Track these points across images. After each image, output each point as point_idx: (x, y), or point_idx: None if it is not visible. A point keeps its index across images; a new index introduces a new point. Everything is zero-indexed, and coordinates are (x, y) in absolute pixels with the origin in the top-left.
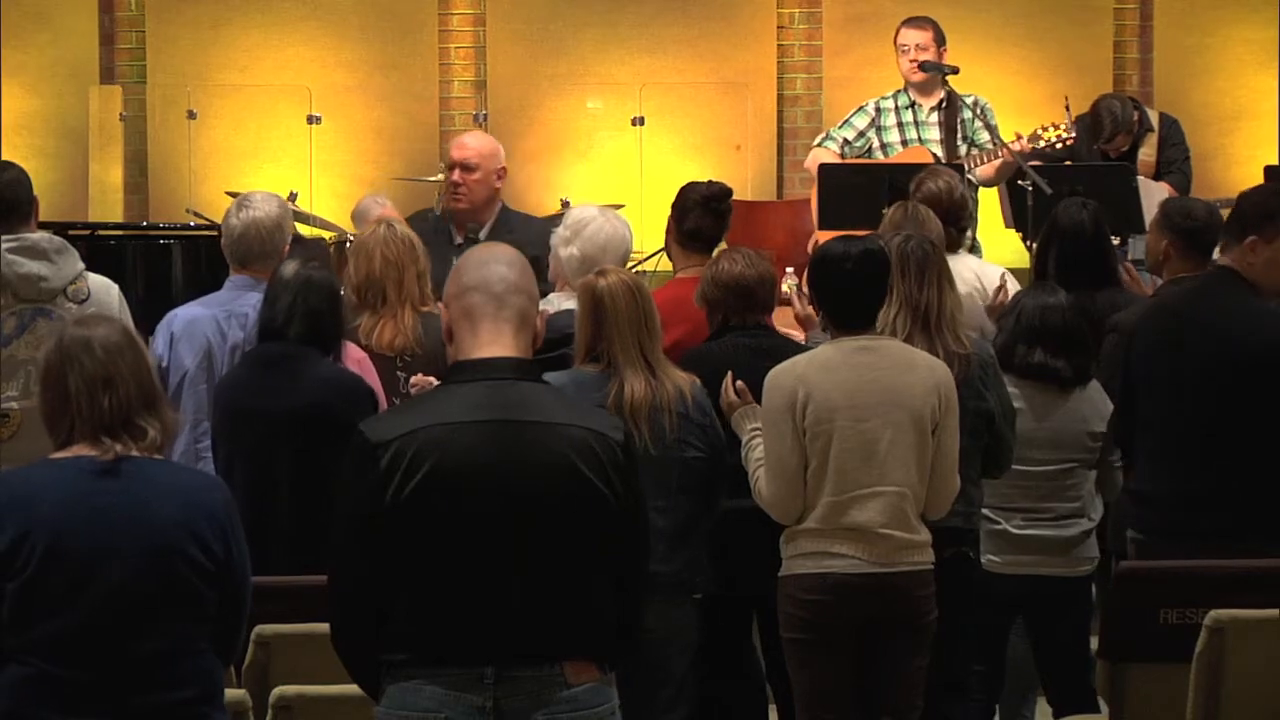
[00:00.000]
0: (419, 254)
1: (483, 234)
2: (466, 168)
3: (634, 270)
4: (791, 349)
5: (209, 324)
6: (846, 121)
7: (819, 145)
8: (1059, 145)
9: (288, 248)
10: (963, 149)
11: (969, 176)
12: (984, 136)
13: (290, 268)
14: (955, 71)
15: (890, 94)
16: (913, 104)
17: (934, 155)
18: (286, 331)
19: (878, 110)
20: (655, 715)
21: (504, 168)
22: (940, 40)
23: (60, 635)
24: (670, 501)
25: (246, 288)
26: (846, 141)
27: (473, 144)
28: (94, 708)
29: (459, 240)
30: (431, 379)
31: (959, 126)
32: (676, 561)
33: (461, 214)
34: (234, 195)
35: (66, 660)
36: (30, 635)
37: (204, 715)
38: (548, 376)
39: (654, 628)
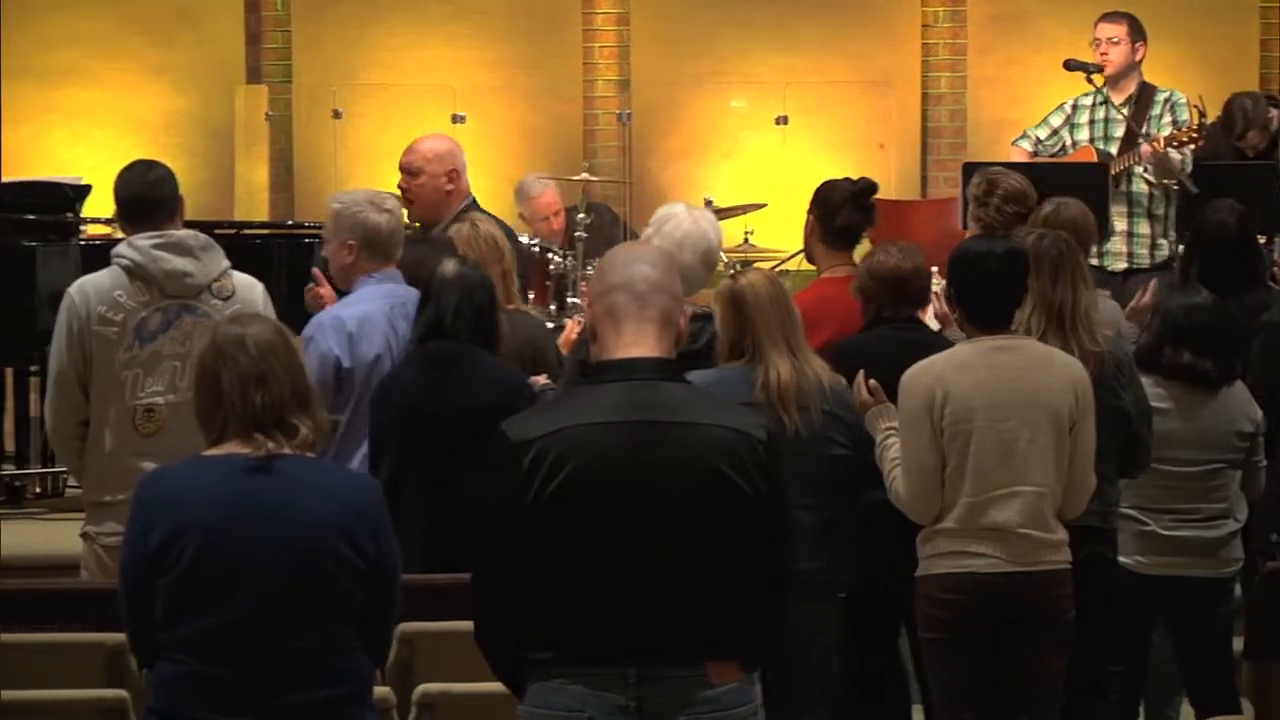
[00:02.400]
0: (503, 252)
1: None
2: (410, 172)
3: (776, 269)
4: (939, 344)
5: (382, 320)
6: (1044, 120)
7: (1014, 144)
8: (1189, 146)
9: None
10: (1143, 146)
11: (1145, 175)
12: (1167, 132)
13: (451, 266)
14: (1100, 70)
15: (1090, 91)
16: (1106, 101)
17: (1105, 154)
18: (455, 330)
19: (1074, 107)
20: (798, 715)
21: (455, 169)
22: (1137, 34)
23: (212, 633)
24: (816, 498)
25: (389, 281)
26: (1039, 140)
27: (419, 148)
28: (245, 705)
29: None
30: (541, 379)
31: (1146, 122)
32: (821, 559)
33: (418, 220)
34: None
35: (218, 657)
36: (182, 632)
37: (353, 713)
38: (693, 375)
39: (798, 626)
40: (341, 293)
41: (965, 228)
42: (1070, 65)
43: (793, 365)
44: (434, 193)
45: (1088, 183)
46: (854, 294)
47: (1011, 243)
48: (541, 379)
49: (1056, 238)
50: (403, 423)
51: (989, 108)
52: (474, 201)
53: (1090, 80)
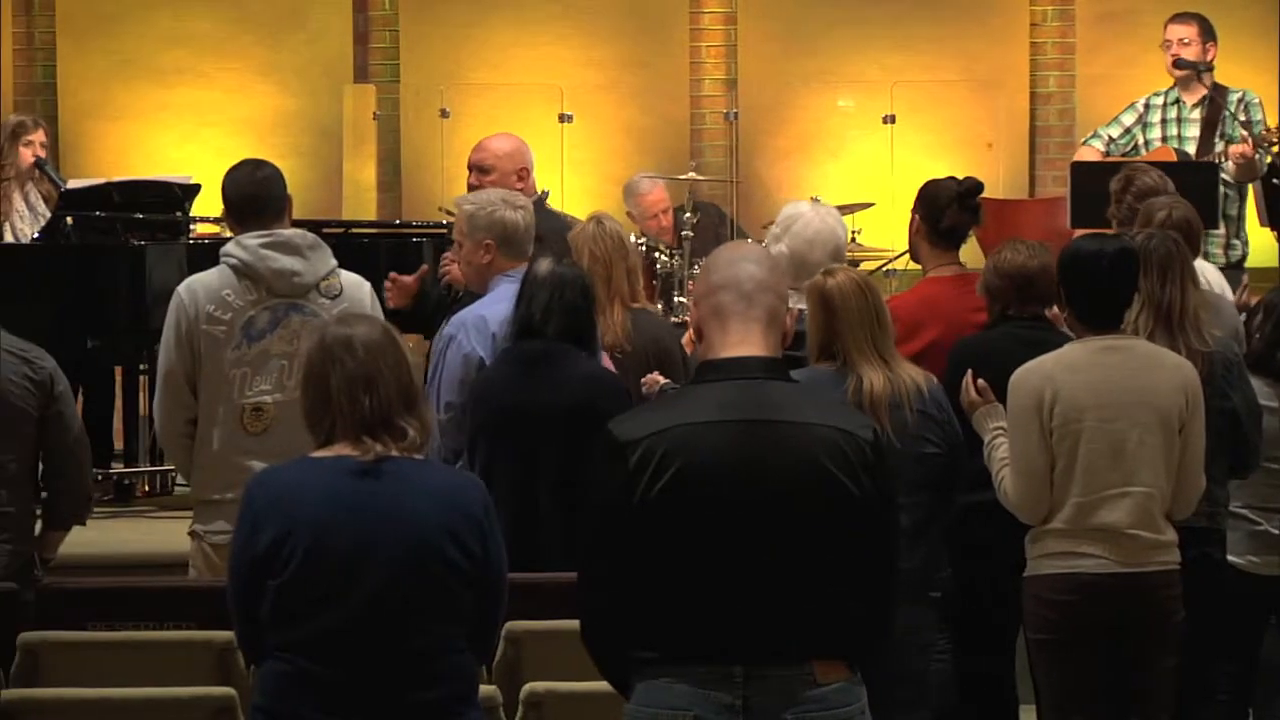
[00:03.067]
0: (628, 250)
1: None
2: (482, 170)
3: (883, 269)
4: (1064, 344)
5: None
6: (1115, 119)
7: (1085, 143)
8: (1276, 147)
9: None
10: (1219, 146)
11: (1223, 175)
12: (1241, 133)
13: (545, 265)
14: (1209, 69)
15: (1162, 91)
16: (1178, 100)
17: (1183, 154)
18: (546, 329)
19: (1146, 107)
20: (894, 714)
21: (525, 168)
22: (1207, 35)
23: (320, 634)
24: (909, 498)
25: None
26: (1111, 139)
27: (489, 146)
28: (352, 706)
29: None
30: (659, 377)
31: (1220, 123)
32: (915, 558)
33: None
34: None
35: (326, 658)
36: (291, 634)
37: (460, 713)
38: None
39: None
40: (474, 295)
41: (1073, 226)
42: (1180, 64)
43: (883, 373)
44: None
45: (1199, 182)
46: (979, 292)
47: (1123, 242)
48: (661, 378)
49: (1165, 237)
50: (492, 421)
51: (1098, 107)
52: (542, 200)
53: (1201, 80)
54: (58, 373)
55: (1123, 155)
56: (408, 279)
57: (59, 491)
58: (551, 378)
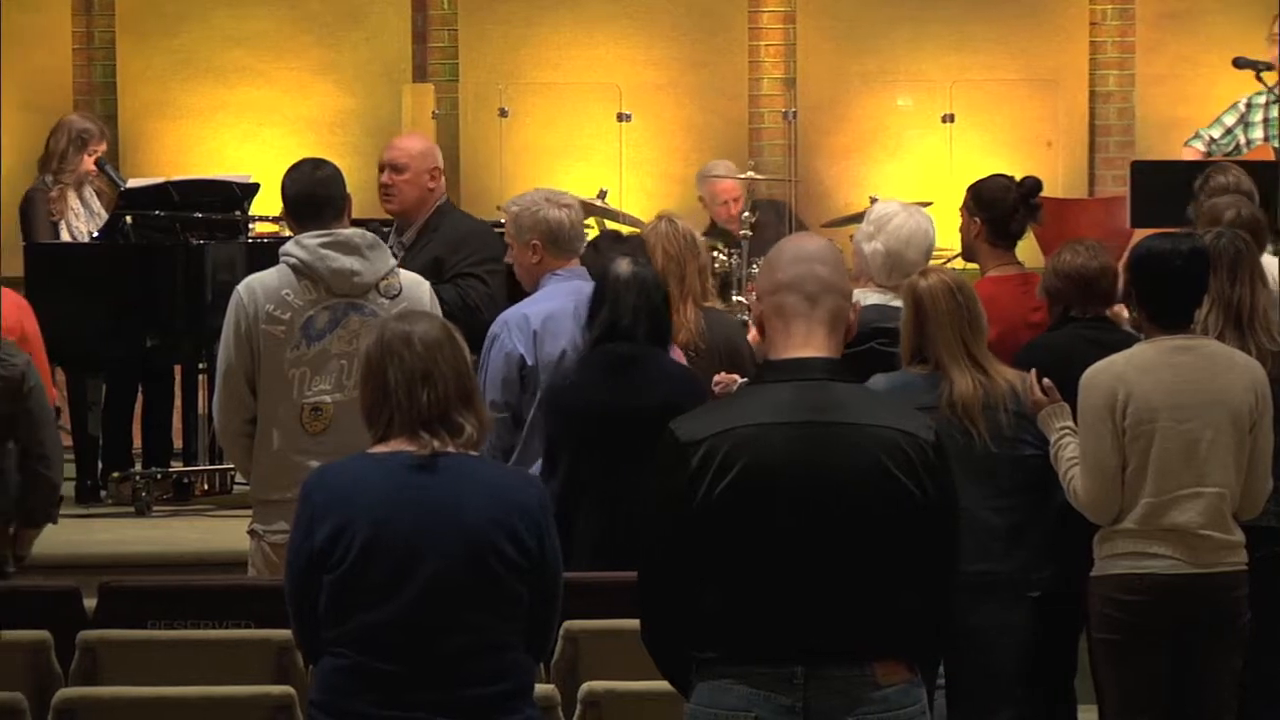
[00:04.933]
0: (700, 249)
1: (407, 236)
2: (395, 168)
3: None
4: (1129, 343)
5: (567, 317)
6: (1217, 119)
7: (1187, 144)
8: None
9: None
10: None
11: None
12: None
13: (625, 266)
14: (1270, 68)
15: (1264, 90)
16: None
17: None
18: (633, 332)
19: (1248, 106)
20: (985, 713)
21: (438, 167)
22: None
23: (375, 628)
24: (1008, 499)
25: (575, 278)
26: (1213, 140)
27: (402, 144)
28: (407, 701)
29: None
30: (735, 376)
31: None
32: (1013, 560)
33: (395, 215)
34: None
35: (381, 653)
36: (346, 628)
37: (516, 710)
38: (875, 379)
39: (987, 627)
40: (525, 296)
41: (1133, 226)
42: (1239, 63)
43: (974, 378)
44: (417, 189)
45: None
46: (1040, 294)
47: (1195, 241)
48: (735, 377)
49: (1235, 236)
50: (581, 426)
51: (1158, 106)
52: (448, 199)
53: (1260, 79)
54: (30, 369)
55: (1224, 156)
56: None
57: (30, 490)
58: (641, 381)
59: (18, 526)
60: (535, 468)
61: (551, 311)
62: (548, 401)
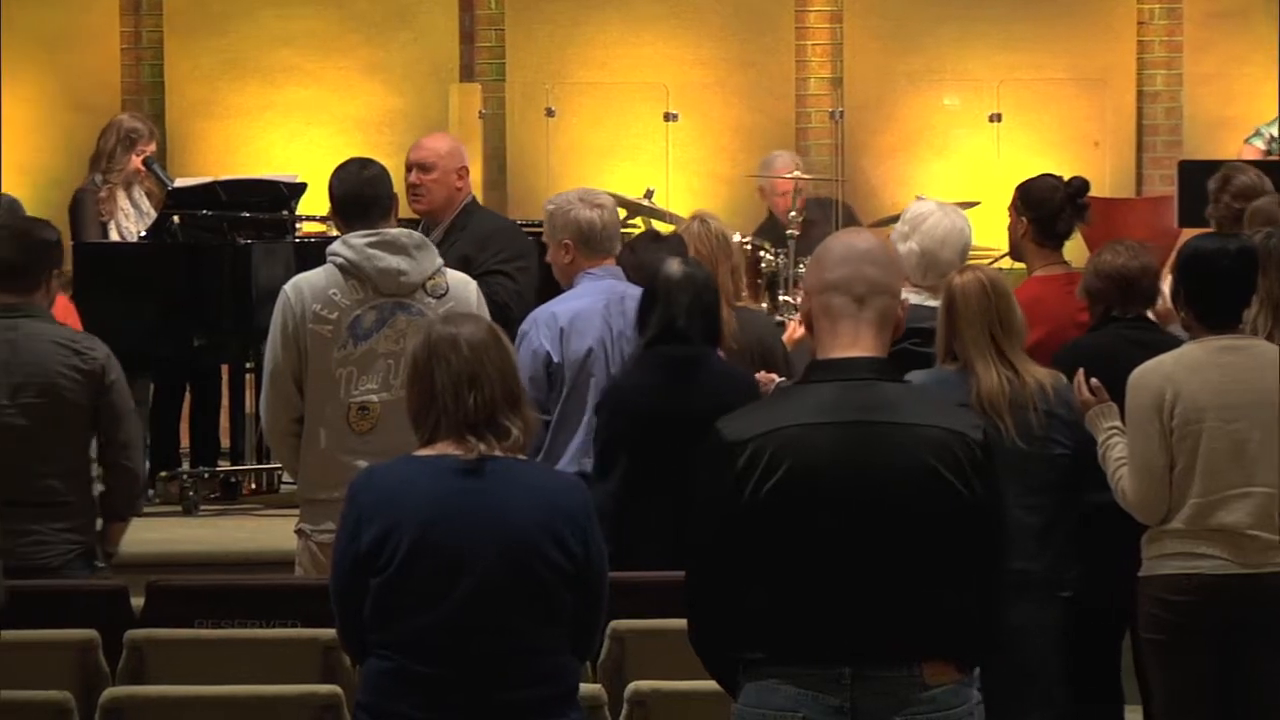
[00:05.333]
0: (731, 249)
1: (434, 235)
2: (423, 168)
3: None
4: (1170, 343)
5: (595, 316)
6: (1276, 118)
7: (1247, 142)
8: None
9: None
10: None
11: None
12: None
13: (677, 267)
14: None
15: None
16: None
17: None
18: (688, 333)
19: None
20: (1021, 715)
21: (465, 167)
22: None
23: (421, 631)
24: (1037, 498)
25: (609, 277)
26: (1273, 138)
27: (429, 144)
28: (452, 703)
29: None
30: (773, 375)
31: None
32: (1044, 559)
33: (423, 215)
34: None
35: (426, 656)
36: (391, 630)
37: (560, 712)
38: (910, 376)
39: (1021, 626)
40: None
41: (1181, 225)
42: None
43: (1001, 375)
44: (445, 189)
45: None
46: (1080, 294)
47: (1243, 241)
48: (775, 376)
49: None
50: (639, 428)
51: (1205, 105)
52: (474, 198)
53: None
54: (110, 361)
55: None
56: None
57: (114, 483)
58: (696, 382)
59: (105, 521)
60: (562, 464)
61: (580, 310)
62: (604, 402)
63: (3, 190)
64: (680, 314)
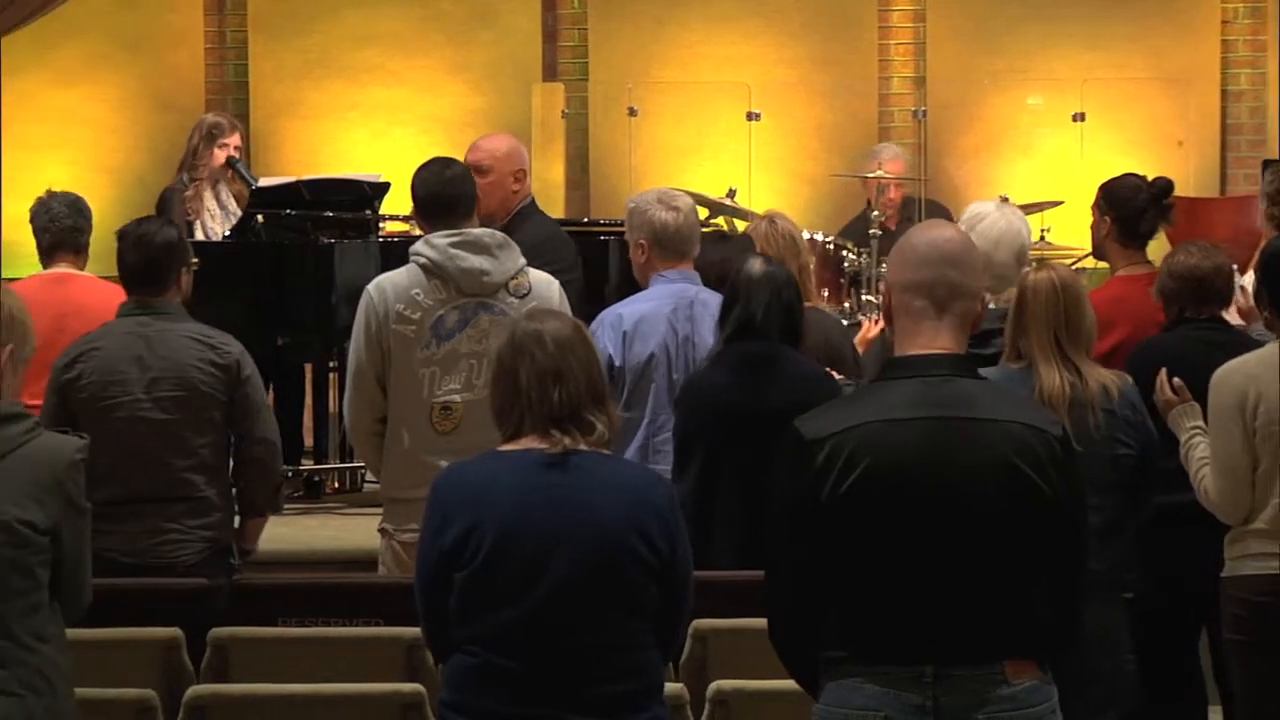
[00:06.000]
0: (800, 249)
1: None
2: (479, 170)
3: (1072, 267)
4: (1244, 343)
5: (661, 320)
6: None
7: None
8: None
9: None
10: None
11: None
12: None
13: (758, 265)
14: None
15: None
16: None
17: None
18: (766, 330)
19: None
20: (1086, 714)
21: (523, 169)
22: None
23: (506, 627)
24: (1100, 499)
25: (682, 280)
26: None
27: (486, 146)
28: (538, 699)
29: None
30: (834, 374)
31: None
32: (1107, 559)
33: (479, 218)
34: None
35: (512, 652)
36: (477, 627)
37: (644, 708)
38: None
39: (1088, 627)
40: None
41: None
42: None
43: (1063, 376)
44: (501, 191)
45: None
46: (1155, 295)
47: None
48: (837, 375)
49: None
50: (715, 424)
51: None
52: (533, 201)
53: None
54: (244, 357)
55: None
56: None
57: (251, 479)
58: (777, 379)
59: (242, 518)
60: None
61: (645, 314)
62: (681, 398)
63: (74, 190)
64: (759, 311)
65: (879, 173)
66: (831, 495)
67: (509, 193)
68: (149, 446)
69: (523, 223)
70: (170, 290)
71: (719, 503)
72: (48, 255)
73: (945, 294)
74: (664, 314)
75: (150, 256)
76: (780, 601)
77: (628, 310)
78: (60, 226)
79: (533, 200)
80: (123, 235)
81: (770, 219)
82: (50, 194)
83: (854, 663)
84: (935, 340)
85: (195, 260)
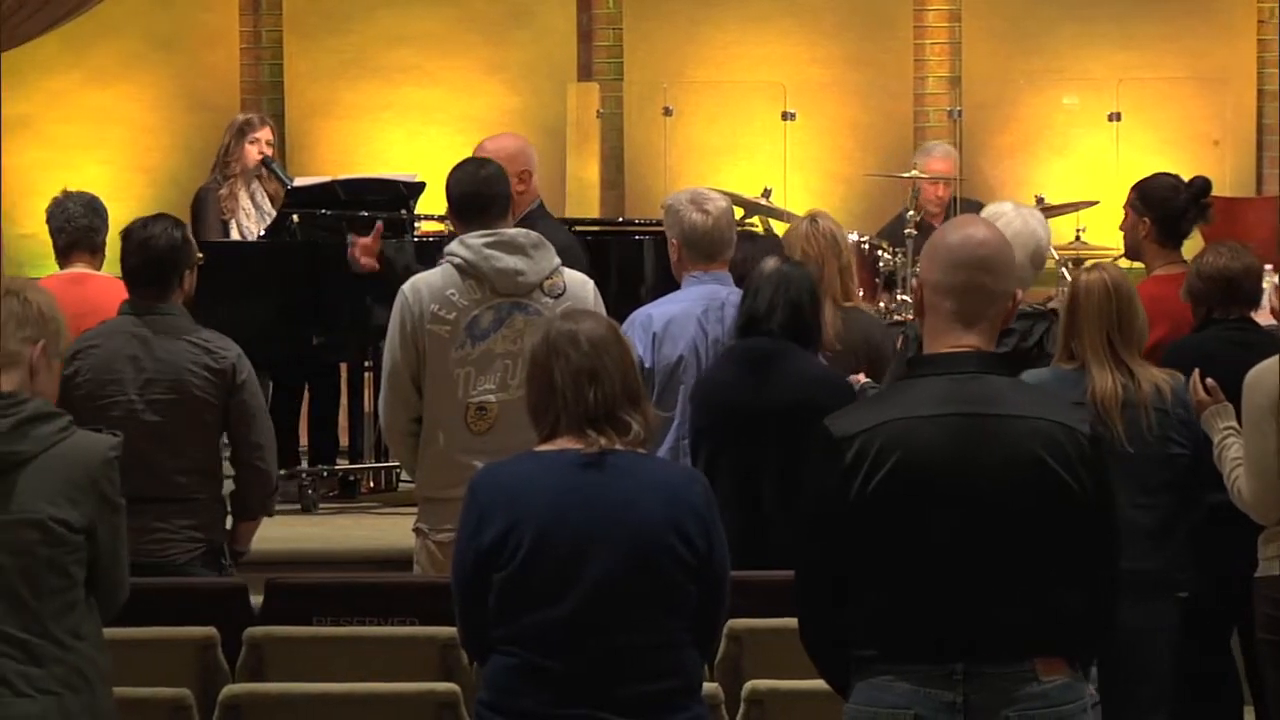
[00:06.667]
0: (841, 249)
1: None
2: None
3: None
4: (1276, 344)
5: (690, 321)
6: None
7: None
8: None
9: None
10: None
11: None
12: None
13: (771, 263)
14: None
15: None
16: None
17: None
18: (769, 325)
19: None
20: (1138, 714)
21: (527, 170)
22: None
23: (545, 627)
24: (1153, 498)
25: (714, 281)
26: None
27: (491, 146)
28: (576, 698)
29: None
30: (862, 376)
31: None
32: (1159, 559)
33: None
34: None
35: (550, 651)
36: (515, 626)
37: (684, 707)
38: (1028, 374)
39: (1135, 626)
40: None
41: None
42: None
43: (1115, 377)
44: None
45: None
46: (1183, 296)
47: None
48: (862, 377)
49: None
50: (717, 419)
51: None
52: (541, 205)
53: None
54: (241, 361)
55: None
56: (366, 239)
57: (244, 482)
58: (772, 375)
59: (235, 520)
60: None
61: (675, 315)
62: (692, 395)
63: (110, 190)
64: (763, 305)
65: (914, 173)
66: (860, 492)
67: (514, 193)
68: (142, 447)
69: (532, 227)
70: (172, 293)
71: (720, 499)
72: (64, 255)
73: (979, 299)
74: (694, 315)
75: (153, 259)
76: (810, 600)
77: (658, 311)
78: (76, 226)
79: (541, 204)
80: (127, 235)
81: (812, 218)
82: (66, 194)
83: (884, 661)
84: (964, 339)
85: (200, 256)
